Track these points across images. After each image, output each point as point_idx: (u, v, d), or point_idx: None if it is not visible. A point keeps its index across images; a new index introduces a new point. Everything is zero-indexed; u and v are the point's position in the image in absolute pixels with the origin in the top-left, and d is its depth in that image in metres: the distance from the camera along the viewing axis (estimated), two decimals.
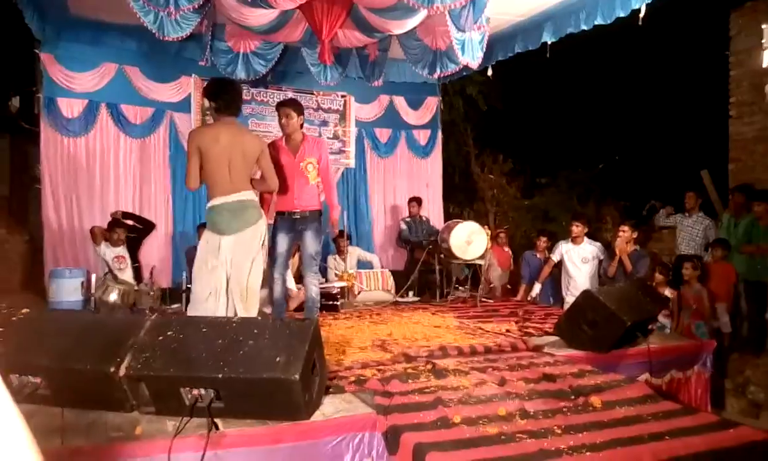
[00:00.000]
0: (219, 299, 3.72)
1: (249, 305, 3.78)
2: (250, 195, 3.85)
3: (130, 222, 6.52)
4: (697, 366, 4.40)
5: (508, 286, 7.86)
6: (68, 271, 5.78)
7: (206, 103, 4.57)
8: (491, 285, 7.64)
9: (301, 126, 4.75)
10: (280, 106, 4.79)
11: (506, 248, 8.03)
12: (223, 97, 3.85)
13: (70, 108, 6.77)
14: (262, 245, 3.88)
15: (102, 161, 6.94)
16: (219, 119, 3.90)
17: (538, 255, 7.20)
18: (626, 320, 3.96)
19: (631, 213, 8.20)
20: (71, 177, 6.77)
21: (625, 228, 6.06)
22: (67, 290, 5.53)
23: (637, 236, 6.13)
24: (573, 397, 3.13)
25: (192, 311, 3.77)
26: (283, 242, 4.67)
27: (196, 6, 4.94)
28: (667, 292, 5.76)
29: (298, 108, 4.71)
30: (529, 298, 6.72)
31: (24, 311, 2.88)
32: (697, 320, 5.80)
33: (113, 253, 6.16)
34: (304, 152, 4.68)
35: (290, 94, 7.67)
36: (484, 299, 6.61)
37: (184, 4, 4.85)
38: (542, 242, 7.28)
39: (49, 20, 6.34)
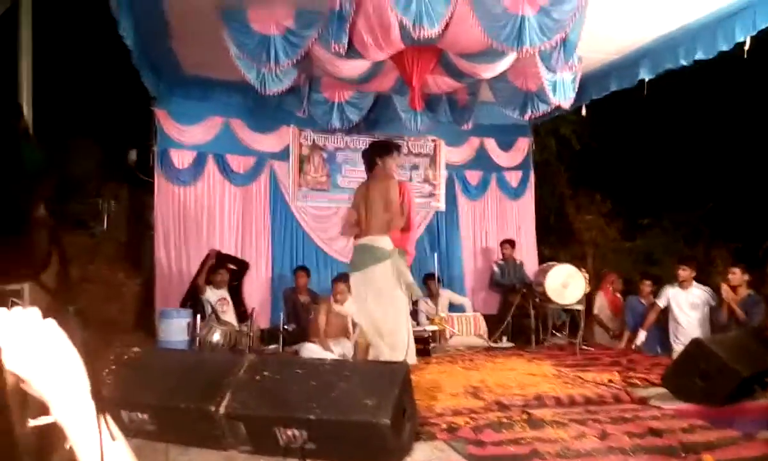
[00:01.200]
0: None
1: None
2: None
3: (232, 266, 6.87)
4: None
5: (621, 335, 7.38)
6: (176, 312, 6.14)
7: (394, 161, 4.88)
8: (610, 331, 7.27)
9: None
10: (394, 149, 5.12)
11: (619, 295, 7.64)
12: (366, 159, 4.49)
13: (181, 159, 7.31)
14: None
15: (209, 208, 7.40)
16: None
17: (642, 300, 6.81)
18: (741, 371, 3.66)
19: (744, 256, 7.61)
20: (181, 223, 7.26)
21: (735, 271, 5.62)
22: (174, 331, 5.86)
23: (750, 279, 5.65)
24: (683, 454, 2.91)
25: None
26: None
27: (295, 61, 5.23)
28: None
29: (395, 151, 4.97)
30: (633, 346, 6.36)
31: (135, 350, 3.08)
32: None
33: (217, 296, 6.48)
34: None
35: None
36: (584, 347, 6.33)
37: (283, 60, 5.14)
38: (647, 286, 6.88)
39: (163, 78, 6.91)
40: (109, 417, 0.82)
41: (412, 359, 4.33)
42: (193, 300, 6.48)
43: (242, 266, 7.21)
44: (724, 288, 5.56)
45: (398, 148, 4.48)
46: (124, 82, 6.69)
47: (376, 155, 4.56)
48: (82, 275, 6.65)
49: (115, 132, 7.79)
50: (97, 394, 0.79)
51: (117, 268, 7.16)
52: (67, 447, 0.80)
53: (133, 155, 7.83)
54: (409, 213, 4.87)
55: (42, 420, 0.78)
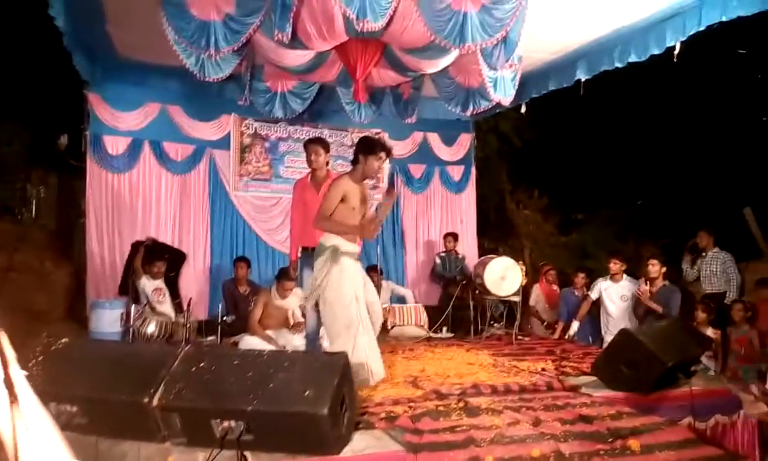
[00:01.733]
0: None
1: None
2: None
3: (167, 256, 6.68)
4: (744, 410, 4.20)
5: (555, 326, 7.63)
6: (108, 302, 5.93)
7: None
8: (545, 322, 7.48)
9: (327, 163, 4.90)
10: (309, 143, 5.06)
11: (555, 287, 7.87)
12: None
13: (115, 145, 7.03)
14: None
15: (144, 196, 7.17)
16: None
17: (576, 292, 7.05)
18: (667, 360, 3.83)
19: (672, 251, 8.01)
20: (114, 212, 7.00)
21: (654, 262, 5.89)
22: (107, 321, 5.66)
23: (666, 271, 5.94)
24: (610, 440, 3.03)
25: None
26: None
27: (236, 48, 5.11)
28: (710, 332, 5.56)
29: (326, 146, 4.94)
30: (566, 336, 6.58)
31: (63, 340, 2.95)
32: (744, 364, 5.57)
33: (153, 286, 6.29)
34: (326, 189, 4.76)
35: (326, 132, 7.83)
36: (520, 337, 6.50)
37: (223, 46, 5.02)
38: (580, 278, 7.13)
39: (97, 63, 6.63)
40: (28, 405, 0.79)
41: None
42: (131, 286, 6.26)
43: (179, 257, 7.03)
44: (641, 287, 5.82)
45: (386, 149, 4.41)
46: (54, 64, 6.39)
47: (360, 152, 4.47)
48: (8, 263, 6.33)
49: (44, 116, 7.44)
50: (7, 382, 0.76)
51: (46, 256, 6.84)
52: None
53: (63, 139, 7.50)
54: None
55: None
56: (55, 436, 0.80)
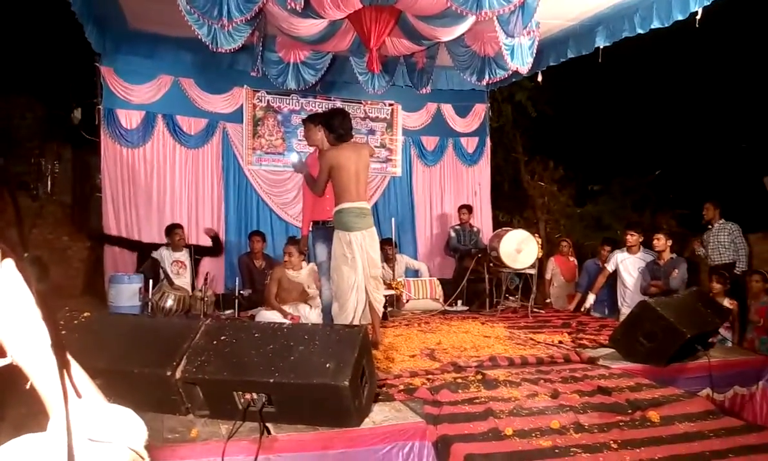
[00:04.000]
0: (361, 291, 4.37)
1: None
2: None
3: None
4: (763, 381, 4.20)
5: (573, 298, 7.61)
6: (127, 277, 6.00)
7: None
8: (547, 300, 7.49)
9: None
10: (303, 122, 5.14)
11: (571, 258, 7.84)
12: (344, 128, 4.50)
13: (129, 119, 7.03)
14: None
15: (158, 171, 7.18)
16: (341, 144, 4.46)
17: (600, 264, 7.02)
18: (686, 332, 3.82)
19: (690, 222, 7.93)
20: (129, 186, 7.02)
21: (659, 236, 5.88)
22: (125, 295, 5.73)
23: (672, 243, 5.93)
24: (630, 411, 3.04)
25: (337, 307, 4.43)
26: (324, 250, 4.77)
27: (248, 18, 5.06)
28: (726, 303, 5.52)
29: (314, 120, 4.93)
30: (582, 309, 6.58)
31: (85, 314, 2.99)
32: (762, 335, 5.54)
33: (172, 257, 6.35)
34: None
35: (338, 104, 7.77)
36: (536, 310, 6.51)
37: (236, 16, 4.97)
38: (606, 250, 7.08)
39: (108, 34, 6.61)
40: (78, 373, 0.80)
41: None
42: (149, 261, 6.33)
43: (218, 249, 7.02)
44: (651, 288, 5.82)
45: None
46: (67, 37, 6.37)
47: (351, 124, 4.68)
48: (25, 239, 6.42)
49: (58, 89, 7.44)
50: (58, 347, 0.77)
51: (62, 232, 6.92)
52: (28, 386, 0.77)
53: (77, 113, 7.51)
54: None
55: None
56: (106, 406, 0.81)
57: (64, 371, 0.76)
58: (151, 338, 2.89)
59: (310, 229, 5.08)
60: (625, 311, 5.86)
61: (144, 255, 6.52)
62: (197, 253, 6.67)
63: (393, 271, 7.06)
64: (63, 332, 2.73)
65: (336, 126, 4.50)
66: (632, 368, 3.91)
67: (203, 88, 7.35)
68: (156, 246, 6.54)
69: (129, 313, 5.31)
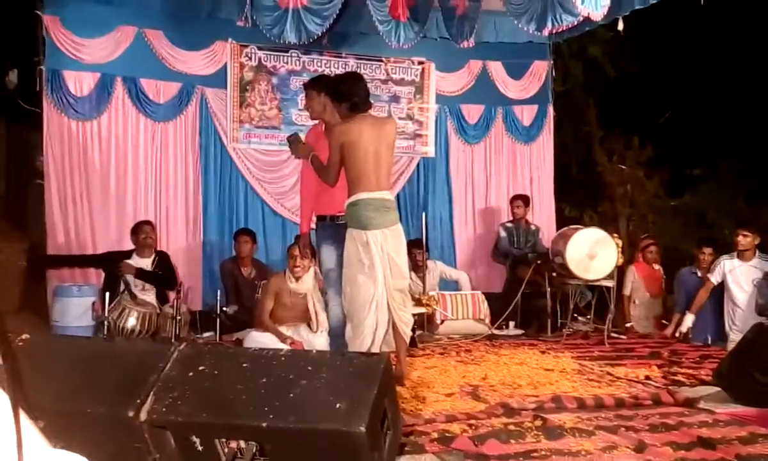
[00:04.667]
0: (382, 309, 4.40)
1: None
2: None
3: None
4: None
5: (663, 321, 7.50)
6: (76, 288, 6.08)
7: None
8: (628, 323, 7.42)
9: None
10: (303, 90, 5.23)
11: (656, 266, 7.77)
12: (359, 95, 4.53)
13: (79, 83, 7.14)
14: None
15: (117, 151, 7.29)
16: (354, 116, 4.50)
17: (699, 273, 6.92)
18: None
19: None
20: (80, 170, 7.13)
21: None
22: (74, 312, 5.82)
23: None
24: None
25: (350, 330, 4.47)
26: (333, 254, 4.78)
27: None
28: None
29: (319, 86, 4.94)
30: (678, 334, 6.51)
31: (23, 337, 3.04)
32: None
33: (137, 265, 6.43)
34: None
35: (351, 63, 7.80)
36: (614, 335, 6.46)
37: None
38: (706, 255, 6.95)
39: None
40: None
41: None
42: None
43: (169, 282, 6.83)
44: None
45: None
46: None
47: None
48: None
49: None
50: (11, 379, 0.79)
51: None
52: None
53: (12, 76, 7.63)
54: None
55: None
56: (51, 456, 0.84)
57: (18, 408, 0.79)
58: (108, 369, 2.93)
59: (314, 226, 5.09)
60: (734, 337, 5.80)
61: (110, 270, 6.54)
62: (139, 276, 6.46)
63: (424, 283, 7.06)
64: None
65: (347, 93, 4.53)
66: (744, 413, 3.88)
67: (175, 42, 7.43)
68: (123, 255, 6.57)
69: (79, 335, 5.39)
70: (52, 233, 7.01)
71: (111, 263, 6.51)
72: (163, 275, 6.62)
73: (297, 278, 5.86)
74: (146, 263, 6.53)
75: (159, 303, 6.37)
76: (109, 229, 7.12)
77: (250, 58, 7.77)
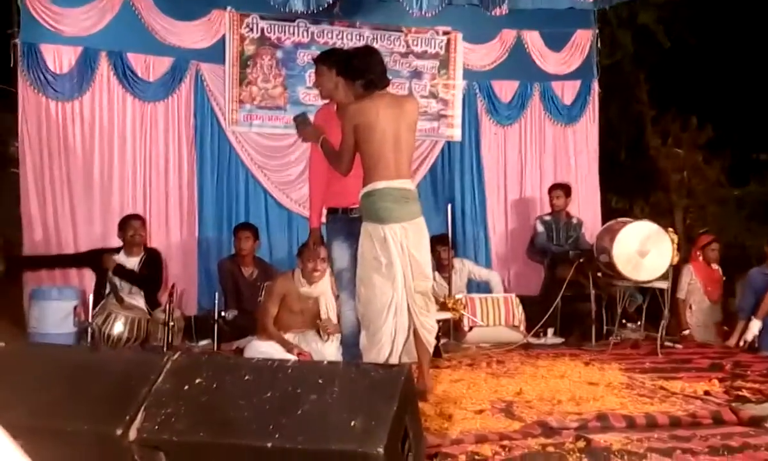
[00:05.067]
0: (401, 314, 4.38)
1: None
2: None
3: None
4: None
5: (725, 328, 7.51)
6: (56, 290, 6.12)
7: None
8: (685, 331, 7.38)
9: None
10: (315, 62, 5.12)
11: (715, 266, 7.72)
12: (374, 71, 4.53)
13: (59, 59, 7.19)
14: None
15: (102, 135, 7.33)
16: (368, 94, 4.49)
17: None
18: None
19: None
20: (60, 157, 7.18)
21: None
22: (54, 318, 5.85)
23: None
24: None
25: (365, 338, 4.45)
26: (345, 252, 4.78)
27: None
28: None
29: (331, 62, 4.89)
30: (742, 342, 6.47)
31: None
32: None
33: (126, 264, 6.48)
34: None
35: (366, 34, 7.80)
36: (668, 344, 6.43)
37: None
38: None
39: None
40: None
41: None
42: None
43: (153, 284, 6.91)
44: None
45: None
46: None
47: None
48: None
49: None
50: None
51: None
52: None
53: None
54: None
55: None
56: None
57: None
58: (92, 381, 2.95)
59: (324, 220, 5.10)
60: None
61: (99, 270, 6.61)
62: (117, 273, 6.52)
63: (449, 284, 7.05)
64: None
65: (361, 68, 4.52)
66: None
67: (167, 11, 7.47)
68: (109, 253, 6.63)
69: (60, 343, 5.43)
70: (28, 229, 7.07)
71: (96, 263, 6.58)
72: (148, 275, 6.67)
73: (311, 281, 5.85)
74: (134, 262, 6.58)
75: (149, 307, 6.40)
76: (92, 223, 7.17)
77: (252, 30, 7.78)
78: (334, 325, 5.79)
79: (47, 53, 7.14)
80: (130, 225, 6.65)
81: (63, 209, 7.16)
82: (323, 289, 5.89)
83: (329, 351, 5.68)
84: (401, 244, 4.37)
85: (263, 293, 6.36)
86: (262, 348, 5.60)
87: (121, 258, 6.53)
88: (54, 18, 7.11)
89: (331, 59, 4.93)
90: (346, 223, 4.79)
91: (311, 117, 5.14)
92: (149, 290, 6.68)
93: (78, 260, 6.88)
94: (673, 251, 6.30)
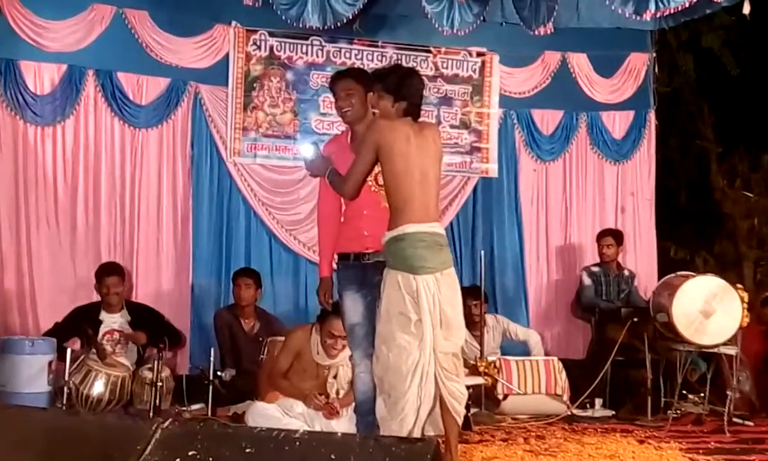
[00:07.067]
0: (428, 379, 4.31)
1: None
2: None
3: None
4: None
5: None
6: (28, 342, 6.13)
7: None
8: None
9: (369, 108, 4.86)
10: (337, 79, 5.07)
11: None
12: (418, 96, 4.59)
13: (39, 77, 7.25)
14: None
15: (86, 165, 7.38)
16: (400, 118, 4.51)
17: None
18: None
19: None
20: (38, 191, 7.21)
21: None
22: (25, 374, 5.83)
23: None
24: None
25: (385, 407, 4.38)
26: (358, 304, 4.75)
27: None
28: None
29: (365, 79, 4.89)
30: None
31: None
32: None
33: (106, 324, 6.51)
34: None
35: (390, 54, 7.84)
36: (737, 420, 6.37)
37: None
38: None
39: None
40: None
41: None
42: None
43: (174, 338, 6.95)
44: None
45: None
46: None
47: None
48: None
49: None
50: None
51: None
52: None
53: None
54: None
55: None
56: None
57: None
58: (69, 450, 2.94)
59: (335, 266, 5.07)
60: None
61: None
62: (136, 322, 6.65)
63: (481, 344, 7.02)
64: None
65: (410, 91, 4.51)
66: None
67: (163, 26, 7.55)
68: (88, 311, 6.66)
69: (32, 406, 5.42)
70: (0, 273, 7.09)
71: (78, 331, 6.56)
72: (170, 332, 6.77)
73: (331, 355, 5.78)
74: (116, 320, 6.58)
75: (134, 363, 6.39)
76: (75, 268, 7.19)
77: (259, 47, 7.86)
78: (345, 400, 5.74)
79: (27, 71, 7.21)
80: (104, 282, 6.63)
81: (39, 249, 7.17)
82: (341, 358, 5.81)
83: (340, 422, 5.62)
84: (434, 297, 4.32)
85: (265, 349, 6.33)
86: (269, 411, 5.55)
87: (102, 315, 6.54)
88: (36, 31, 7.17)
89: (361, 76, 4.93)
90: (359, 270, 4.76)
91: (321, 147, 5.12)
92: (172, 343, 6.76)
93: (65, 330, 6.73)
94: (742, 311, 6.26)
